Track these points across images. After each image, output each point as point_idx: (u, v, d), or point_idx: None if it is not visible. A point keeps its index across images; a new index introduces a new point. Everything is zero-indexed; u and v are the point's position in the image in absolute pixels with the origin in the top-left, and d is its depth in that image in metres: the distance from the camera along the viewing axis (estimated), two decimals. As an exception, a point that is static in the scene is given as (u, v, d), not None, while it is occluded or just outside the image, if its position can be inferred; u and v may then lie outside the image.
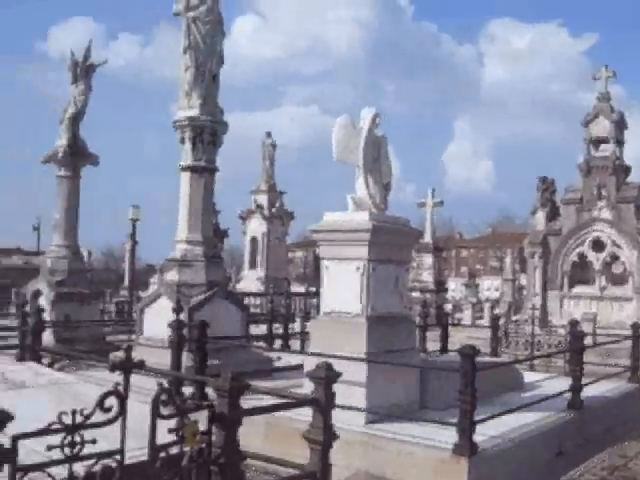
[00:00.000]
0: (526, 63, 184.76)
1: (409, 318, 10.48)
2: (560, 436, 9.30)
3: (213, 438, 4.52)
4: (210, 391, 8.33)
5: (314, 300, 26.29)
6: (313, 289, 33.02)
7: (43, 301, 15.37)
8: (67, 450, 3.69)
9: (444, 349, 14.60)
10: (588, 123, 25.32)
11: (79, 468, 3.81)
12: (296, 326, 18.84)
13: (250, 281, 31.75)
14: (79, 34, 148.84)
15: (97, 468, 3.82)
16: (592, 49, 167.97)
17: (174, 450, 4.24)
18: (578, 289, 24.67)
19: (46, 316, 12.53)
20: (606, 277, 24.22)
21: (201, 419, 4.46)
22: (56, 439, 3.67)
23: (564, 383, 10.76)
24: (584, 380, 10.46)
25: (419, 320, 14.69)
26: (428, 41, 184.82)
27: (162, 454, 4.14)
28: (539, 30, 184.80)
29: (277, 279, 31.47)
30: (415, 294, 27.59)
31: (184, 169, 13.29)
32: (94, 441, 3.76)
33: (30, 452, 3.76)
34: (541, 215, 25.86)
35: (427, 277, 31.03)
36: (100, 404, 3.79)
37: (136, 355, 4.23)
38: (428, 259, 31.21)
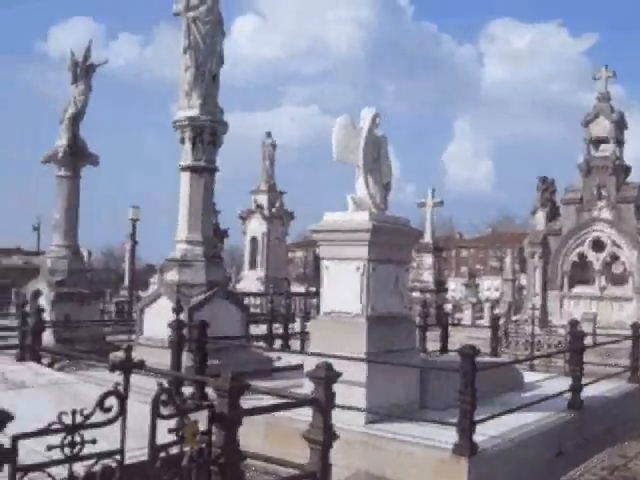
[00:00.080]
0: (526, 63, 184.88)
1: (409, 318, 10.48)
2: (560, 436, 9.30)
3: (213, 438, 4.52)
4: (210, 391, 8.33)
5: (314, 300, 26.28)
6: (313, 289, 33.01)
7: (43, 301, 15.37)
8: (67, 450, 3.69)
9: (444, 349, 14.60)
10: (588, 123, 25.32)
11: (79, 468, 3.81)
12: (296, 326, 18.84)
13: (250, 281, 31.75)
14: (79, 34, 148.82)
15: (97, 468, 3.82)
16: (592, 49, 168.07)
17: (174, 450, 4.24)
18: (578, 289, 24.67)
19: (46, 316, 12.53)
20: (606, 277, 24.22)
21: (201, 419, 4.46)
22: (56, 439, 3.66)
23: (564, 383, 10.76)
24: (584, 380, 10.46)
25: (419, 320, 14.68)
26: (428, 41, 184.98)
27: (162, 454, 4.14)
28: (539, 30, 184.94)
29: (277, 279, 31.46)
30: (415, 294, 27.60)
31: (184, 169, 13.28)
32: (94, 441, 3.76)
33: (30, 452, 3.76)
34: (541, 215, 25.86)
35: (427, 277, 31.03)
36: (100, 404, 3.79)
37: (136, 355, 4.23)
38: (428, 259, 31.22)
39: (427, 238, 30.35)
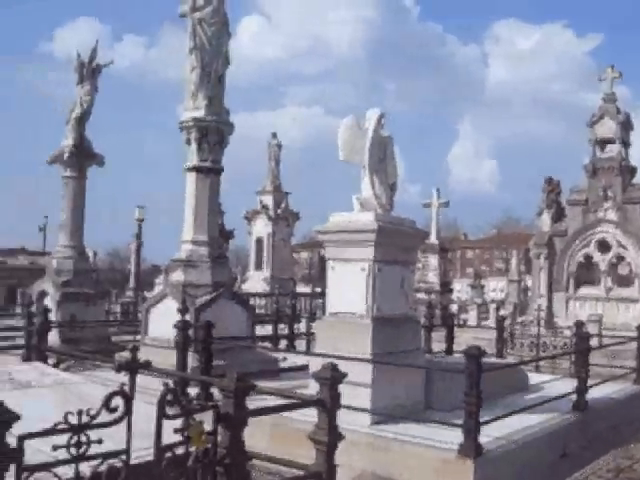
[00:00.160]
0: (531, 64, 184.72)
1: (414, 319, 10.48)
2: (565, 438, 9.29)
3: (219, 438, 4.53)
4: (215, 392, 8.34)
5: (319, 301, 26.28)
6: (318, 290, 33.03)
7: (49, 301, 15.40)
8: (73, 450, 3.70)
9: (449, 350, 14.58)
10: (593, 124, 25.31)
11: (85, 468, 3.82)
12: (301, 327, 18.83)
13: (255, 282, 31.74)
14: (85, 35, 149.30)
15: (103, 468, 3.83)
16: (597, 49, 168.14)
17: (180, 450, 4.25)
18: (584, 290, 24.65)
19: (52, 316, 12.57)
20: (612, 278, 24.21)
21: (206, 419, 4.47)
22: (62, 439, 3.67)
23: (569, 384, 10.75)
24: (589, 381, 10.44)
25: (424, 321, 14.66)
26: (433, 41, 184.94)
27: (168, 454, 4.15)
28: (545, 31, 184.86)
29: (283, 280, 31.44)
30: (420, 295, 27.56)
31: (190, 170, 13.29)
32: (100, 441, 3.76)
33: (36, 452, 3.76)
34: (547, 216, 25.85)
35: (433, 278, 31.01)
36: (106, 404, 3.80)
37: (141, 355, 4.25)
38: (434, 260, 31.20)
39: (432, 239, 30.33)
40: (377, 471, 7.87)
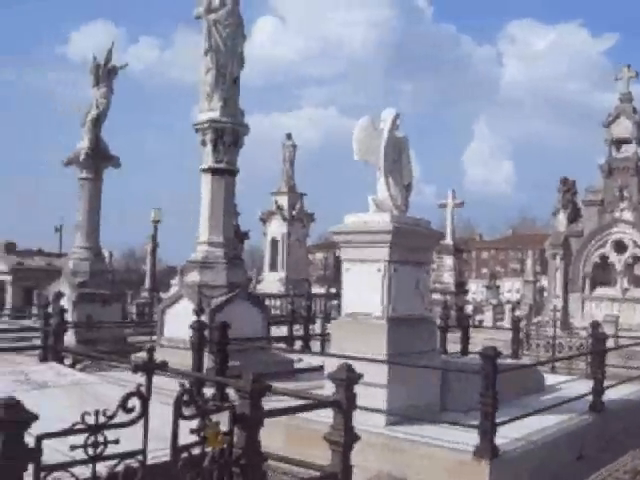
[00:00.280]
0: (546, 63, 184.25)
1: (430, 319, 10.46)
2: (581, 439, 9.25)
3: (235, 439, 4.54)
4: (231, 392, 8.36)
5: (335, 301, 26.28)
6: (333, 290, 33.03)
7: (65, 302, 15.45)
8: (90, 450, 3.72)
9: (465, 351, 14.56)
10: (609, 124, 25.17)
11: (102, 468, 3.84)
12: (317, 327, 18.84)
13: (271, 282, 31.77)
14: (100, 37, 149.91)
15: (120, 468, 3.85)
16: (612, 49, 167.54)
17: (196, 451, 4.26)
18: (600, 291, 24.51)
19: (68, 317, 12.61)
20: (628, 279, 24.06)
21: (222, 420, 4.48)
22: (79, 439, 3.69)
23: (586, 386, 10.70)
24: (606, 383, 10.40)
25: (440, 322, 14.64)
26: (447, 42, 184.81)
27: (184, 455, 4.17)
28: (560, 30, 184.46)
29: (298, 280, 31.43)
30: (436, 296, 27.47)
31: (205, 171, 13.31)
32: (117, 441, 3.78)
33: (53, 452, 3.78)
34: (562, 216, 25.74)
35: (448, 279, 30.90)
36: (123, 405, 3.82)
37: (157, 356, 4.25)
38: (449, 260, 31.08)
39: (448, 239, 30.21)
40: (392, 472, 7.86)
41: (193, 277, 12.97)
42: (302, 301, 21.62)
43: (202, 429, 4.25)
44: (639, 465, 9.00)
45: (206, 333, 10.72)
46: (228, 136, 13.16)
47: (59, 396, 6.32)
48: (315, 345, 16.21)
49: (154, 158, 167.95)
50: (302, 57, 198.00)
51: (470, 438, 7.59)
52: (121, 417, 3.82)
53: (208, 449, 4.32)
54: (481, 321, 29.81)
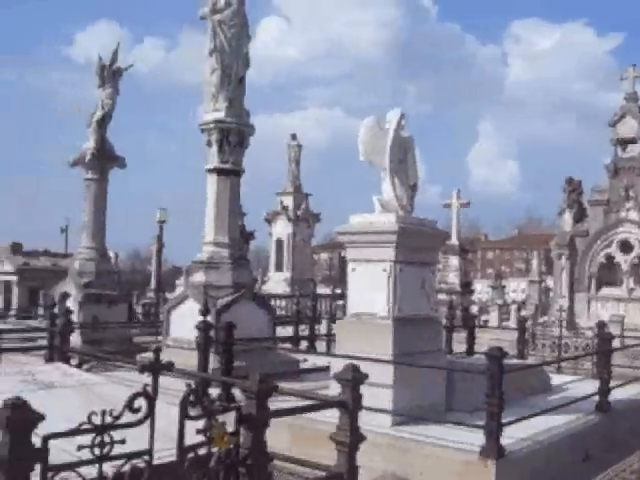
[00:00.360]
0: (551, 63, 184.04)
1: (436, 320, 10.45)
2: (587, 439, 9.24)
3: (241, 439, 4.54)
4: (237, 392, 8.36)
5: (340, 302, 26.28)
6: (339, 291, 33.03)
7: (71, 303, 15.47)
8: (97, 450, 3.73)
9: (470, 351, 14.55)
10: (615, 123, 25.14)
11: (108, 468, 3.84)
12: (322, 328, 18.82)
13: (276, 283, 31.79)
14: (105, 38, 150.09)
15: (126, 468, 3.86)
16: (618, 49, 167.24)
17: (202, 451, 4.27)
18: (605, 291, 24.47)
19: (74, 318, 12.63)
20: (634, 279, 24.00)
21: (228, 420, 4.48)
22: (86, 439, 3.70)
23: (592, 386, 10.69)
24: (612, 383, 10.38)
25: (445, 322, 14.63)
26: (452, 42, 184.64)
27: (190, 455, 4.17)
28: (565, 30, 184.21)
29: (303, 281, 31.44)
30: (441, 296, 27.46)
31: (210, 171, 13.32)
32: (123, 441, 3.79)
33: (60, 452, 3.79)
34: (568, 216, 25.69)
35: (453, 279, 30.85)
36: (129, 405, 3.82)
37: (163, 356, 4.25)
38: (454, 261, 31.02)
39: (453, 239, 30.15)
40: (398, 472, 7.86)
41: (199, 277, 12.98)
42: (307, 301, 21.60)
43: (208, 429, 4.25)
44: (645, 465, 8.98)
45: (212, 333, 10.73)
46: (234, 136, 13.17)
47: (65, 396, 6.33)
48: (321, 345, 16.19)
49: (156, 158, 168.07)
50: (307, 57, 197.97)
51: (476, 438, 7.59)
52: (127, 417, 3.83)
53: (214, 449, 4.32)
54: (487, 321, 29.81)
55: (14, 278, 29.11)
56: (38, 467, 3.54)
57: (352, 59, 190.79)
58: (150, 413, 3.95)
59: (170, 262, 63.13)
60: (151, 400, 3.96)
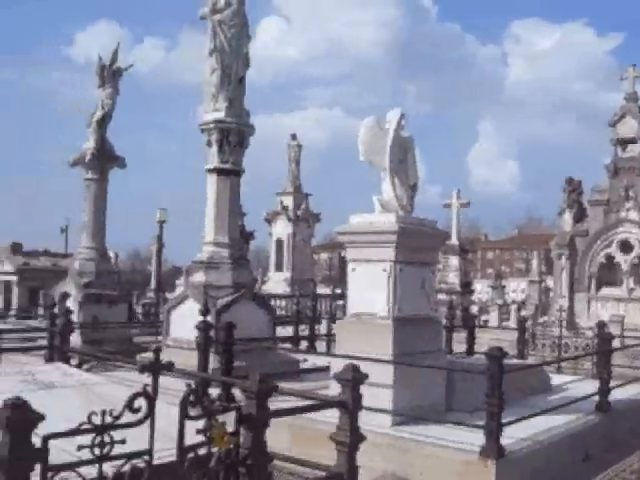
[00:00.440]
0: (551, 63, 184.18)
1: (436, 320, 10.45)
2: (587, 439, 9.24)
3: (241, 439, 4.54)
4: (237, 393, 8.36)
5: (340, 302, 26.27)
6: (339, 291, 33.02)
7: (71, 303, 15.46)
8: (97, 450, 3.72)
9: (470, 351, 14.55)
10: (615, 123, 25.14)
11: (108, 468, 3.84)
12: (322, 328, 18.82)
13: (276, 283, 31.78)
14: (105, 38, 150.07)
15: (126, 468, 3.85)
16: (618, 49, 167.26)
17: (202, 451, 4.27)
18: (605, 291, 24.46)
19: (74, 318, 12.62)
20: (634, 279, 24.00)
21: (228, 420, 4.48)
22: (86, 439, 3.70)
23: (592, 386, 10.69)
24: (612, 383, 10.38)
25: (445, 322, 14.62)
26: (452, 42, 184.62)
27: (190, 455, 4.17)
28: (565, 30, 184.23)
29: (303, 281, 31.43)
30: (441, 296, 27.45)
31: (210, 171, 13.32)
32: (123, 441, 3.79)
33: (60, 452, 3.79)
34: (568, 216, 25.68)
35: (453, 279, 30.84)
36: (129, 405, 3.82)
37: (163, 356, 4.25)
38: (454, 261, 31.01)
39: (453, 239, 30.14)
40: (398, 472, 7.86)
41: (199, 277, 12.98)
42: (307, 301, 21.60)
43: (208, 429, 4.25)
44: (645, 465, 8.98)
45: (212, 333, 10.73)
46: (234, 136, 13.17)
47: (65, 396, 6.33)
48: (321, 345, 16.19)
49: (156, 158, 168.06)
50: (307, 57, 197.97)
51: (476, 438, 7.59)
52: (127, 417, 3.83)
53: (214, 449, 4.32)
54: (487, 321, 29.80)
55: (14, 278, 29.10)
56: (38, 467, 3.55)
57: (352, 59, 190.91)
58: (150, 413, 3.95)
59: (170, 262, 63.11)
60: (151, 400, 3.96)
